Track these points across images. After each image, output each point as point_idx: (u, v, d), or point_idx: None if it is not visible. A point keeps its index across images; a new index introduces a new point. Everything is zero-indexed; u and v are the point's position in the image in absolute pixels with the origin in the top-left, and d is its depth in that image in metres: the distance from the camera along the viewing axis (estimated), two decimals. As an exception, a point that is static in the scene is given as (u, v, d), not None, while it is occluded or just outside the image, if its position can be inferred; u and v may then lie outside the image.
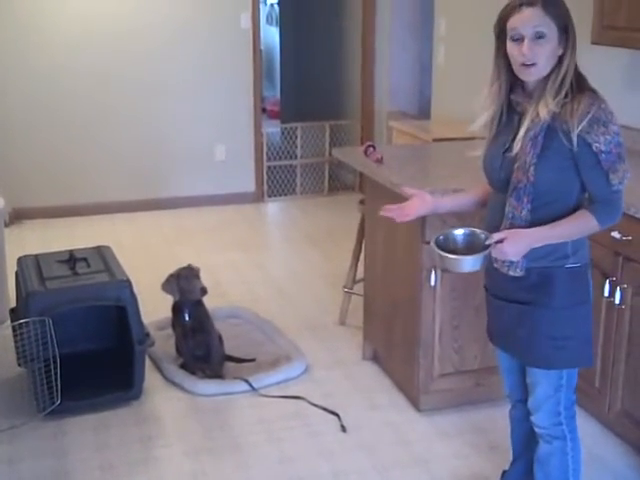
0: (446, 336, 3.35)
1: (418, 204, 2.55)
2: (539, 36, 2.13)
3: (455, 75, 5.52)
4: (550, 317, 2.29)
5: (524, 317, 2.32)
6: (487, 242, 2.22)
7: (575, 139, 2.12)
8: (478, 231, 2.30)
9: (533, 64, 2.15)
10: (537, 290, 2.28)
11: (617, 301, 3.01)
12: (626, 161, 2.17)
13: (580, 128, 2.11)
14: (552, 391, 2.37)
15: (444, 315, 3.31)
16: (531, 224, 2.22)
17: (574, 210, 2.24)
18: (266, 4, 10.82)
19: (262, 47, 7.20)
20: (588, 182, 2.20)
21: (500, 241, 2.19)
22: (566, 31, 2.16)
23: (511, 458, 2.77)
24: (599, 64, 3.93)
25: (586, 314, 2.35)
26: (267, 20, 10.82)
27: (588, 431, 3.28)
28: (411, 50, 6.61)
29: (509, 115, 2.30)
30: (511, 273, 2.27)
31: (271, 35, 10.62)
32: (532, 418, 2.46)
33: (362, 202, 4.07)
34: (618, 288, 3.00)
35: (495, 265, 2.30)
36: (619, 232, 2.96)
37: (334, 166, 7.37)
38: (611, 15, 3.41)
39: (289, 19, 9.38)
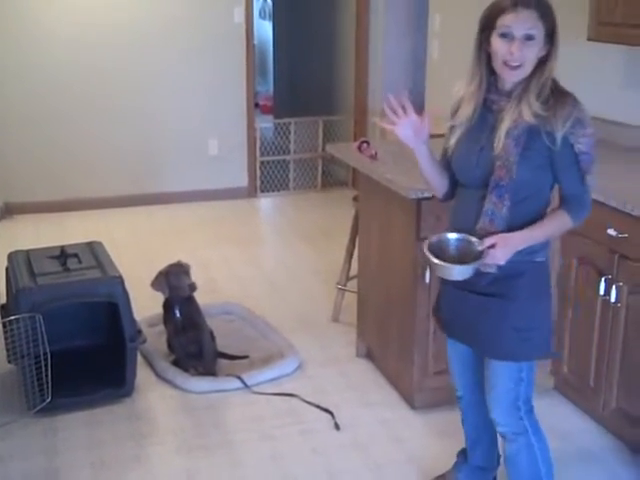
0: (440, 333, 3.31)
1: (418, 133, 2.39)
2: (529, 38, 2.16)
3: (449, 71, 5.49)
4: (516, 309, 2.32)
5: (489, 309, 2.34)
6: (479, 248, 2.24)
7: (559, 139, 2.18)
8: (472, 239, 2.28)
9: (519, 65, 2.19)
10: (505, 283, 2.32)
11: (613, 299, 3.00)
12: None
13: (564, 129, 2.17)
14: (512, 384, 2.40)
15: (438, 312, 3.29)
16: (509, 222, 2.26)
17: (546, 207, 2.32)
18: (259, -2, 10.79)
19: (255, 42, 7.16)
20: (563, 181, 2.28)
21: (491, 246, 2.23)
22: (552, 35, 2.20)
23: (466, 445, 2.81)
24: (595, 60, 3.93)
25: (548, 306, 2.42)
26: (260, 14, 10.77)
27: (583, 429, 3.28)
28: (405, 46, 6.59)
29: (481, 113, 2.32)
30: (488, 270, 2.29)
31: (264, 30, 10.58)
32: (492, 415, 2.48)
33: (356, 198, 4.05)
34: (614, 286, 2.98)
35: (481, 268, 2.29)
36: (615, 230, 2.94)
37: (327, 162, 7.36)
38: (607, 11, 3.40)
39: (282, 13, 9.36)
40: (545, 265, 2.39)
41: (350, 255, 4.26)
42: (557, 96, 2.21)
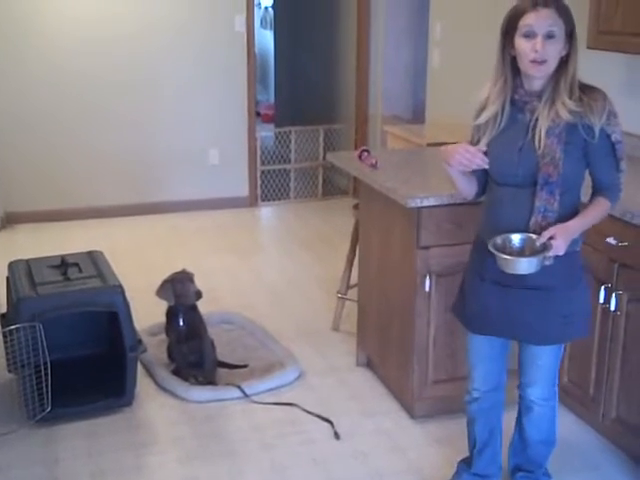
0: (440, 342, 3.32)
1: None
2: (550, 35, 2.29)
3: (450, 79, 5.50)
4: (559, 297, 2.48)
5: (534, 301, 2.48)
6: (540, 241, 2.36)
7: (597, 132, 2.33)
8: (533, 236, 2.41)
9: (544, 61, 2.31)
10: (551, 274, 2.43)
11: (612, 307, 3.00)
12: None
13: (602, 122, 2.33)
14: (556, 362, 2.64)
15: (439, 321, 3.29)
16: (560, 214, 2.40)
17: (578, 197, 2.47)
18: (260, 7, 10.80)
19: (256, 51, 7.17)
20: (601, 170, 2.44)
21: (550, 238, 2.34)
22: (571, 34, 2.34)
23: (472, 450, 2.85)
24: (595, 69, 3.91)
25: (586, 290, 2.58)
26: (261, 23, 10.80)
27: (582, 438, 3.27)
28: (406, 54, 6.60)
29: (512, 114, 2.43)
30: (547, 263, 2.39)
31: (265, 39, 10.61)
32: (529, 390, 2.67)
33: (356, 207, 4.05)
34: (613, 294, 2.98)
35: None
36: (615, 238, 2.94)
37: (328, 170, 7.36)
38: (607, 20, 3.41)
39: (284, 23, 9.38)
40: (580, 253, 2.53)
41: (350, 264, 4.26)
42: (587, 92, 2.36)
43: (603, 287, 3.02)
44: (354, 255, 4.18)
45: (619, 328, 3.01)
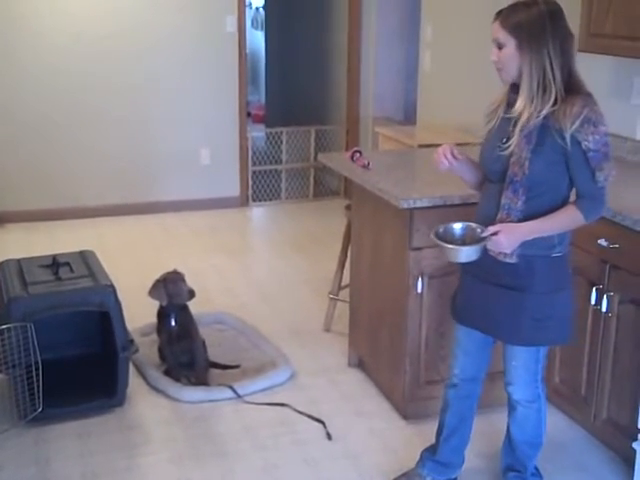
0: (432, 343, 3.33)
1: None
2: (499, 46, 2.41)
3: (441, 81, 5.52)
4: (533, 301, 2.50)
5: (508, 300, 2.52)
6: (483, 234, 2.42)
7: (568, 138, 2.32)
8: (474, 225, 2.49)
9: (499, 68, 2.43)
10: (524, 276, 2.48)
11: (604, 309, 3.01)
12: (612, 160, 2.38)
13: (572, 128, 2.31)
14: (532, 364, 2.63)
15: (430, 322, 3.30)
16: (525, 215, 2.42)
17: (563, 202, 2.46)
18: (251, 8, 10.80)
19: (247, 51, 7.17)
20: (575, 178, 2.41)
21: (494, 233, 2.39)
22: (521, 43, 2.36)
23: (439, 437, 2.89)
24: (586, 72, 3.92)
25: (566, 298, 2.58)
26: (252, 24, 10.79)
27: (574, 439, 3.29)
28: (397, 56, 6.62)
29: (506, 111, 2.49)
30: (507, 260, 2.45)
31: (257, 39, 10.60)
32: (509, 389, 2.70)
33: (348, 207, 4.06)
34: (605, 296, 3.00)
35: (490, 253, 2.46)
36: (606, 240, 2.96)
37: (319, 171, 7.37)
38: (598, 23, 3.43)
39: (275, 23, 9.38)
40: (563, 259, 2.52)
41: (342, 264, 4.27)
42: (570, 96, 2.35)
43: (595, 288, 3.04)
44: (346, 256, 4.19)
45: (610, 329, 3.03)
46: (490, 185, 2.56)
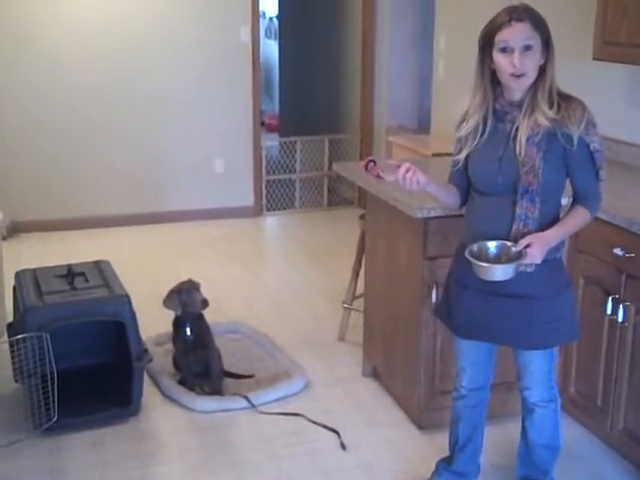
0: (447, 353, 3.31)
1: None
2: (527, 48, 2.33)
3: (455, 90, 5.51)
4: (543, 305, 2.51)
5: (519, 308, 2.51)
6: (515, 249, 2.41)
7: (576, 140, 2.36)
8: (508, 243, 2.46)
9: (523, 74, 2.35)
10: (532, 282, 2.48)
11: (620, 319, 2.99)
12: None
13: (580, 131, 2.35)
14: (547, 365, 2.65)
15: (445, 331, 3.27)
16: (540, 223, 2.44)
17: (559, 205, 2.52)
18: (265, 17, 10.84)
19: (261, 60, 7.19)
20: (579, 179, 2.46)
21: (527, 246, 2.38)
22: (547, 44, 2.37)
23: (454, 447, 2.90)
24: (600, 80, 3.94)
25: (570, 296, 2.63)
26: (266, 34, 10.83)
27: (590, 449, 3.26)
28: (411, 64, 6.62)
29: (494, 124, 2.48)
30: (528, 270, 2.44)
31: (270, 49, 10.63)
32: (526, 393, 2.69)
33: (362, 217, 4.05)
34: (621, 306, 2.98)
35: (521, 268, 2.43)
36: (622, 249, 2.94)
37: (333, 180, 7.36)
38: (612, 31, 3.41)
39: (288, 33, 9.40)
40: (561, 260, 2.58)
41: (356, 274, 4.26)
42: (566, 101, 2.38)
43: (610, 298, 3.02)
44: (360, 265, 4.19)
45: (626, 339, 3.00)
46: (488, 199, 2.52)
